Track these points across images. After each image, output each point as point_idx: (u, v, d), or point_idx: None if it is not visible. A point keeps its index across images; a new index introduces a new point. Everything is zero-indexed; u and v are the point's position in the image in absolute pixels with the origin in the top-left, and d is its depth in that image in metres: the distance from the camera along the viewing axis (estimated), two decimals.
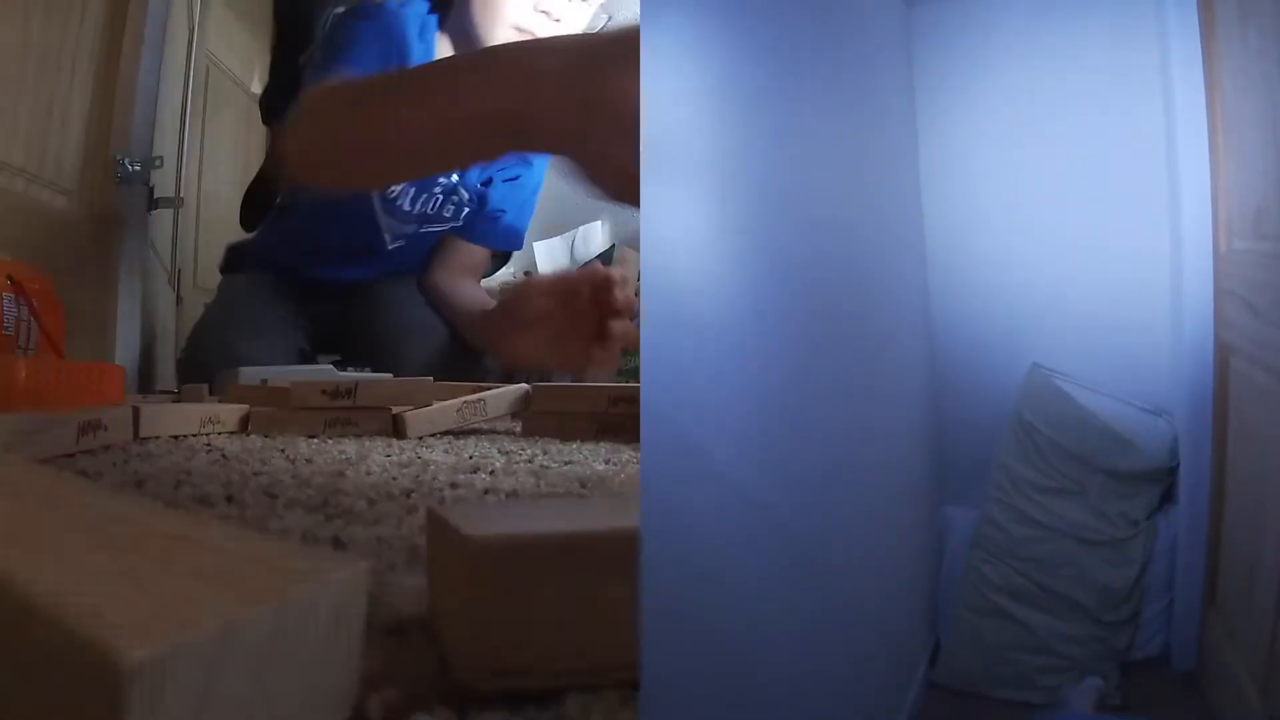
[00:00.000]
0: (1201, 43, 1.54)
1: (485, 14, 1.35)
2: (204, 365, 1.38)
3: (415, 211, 1.55)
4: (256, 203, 1.70)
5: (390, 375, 1.34)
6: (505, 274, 2.09)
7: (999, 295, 1.98)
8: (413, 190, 1.51)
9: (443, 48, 1.43)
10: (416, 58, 1.35)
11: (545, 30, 1.33)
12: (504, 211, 1.62)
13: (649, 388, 0.96)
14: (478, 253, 1.69)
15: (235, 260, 1.74)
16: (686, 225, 1.02)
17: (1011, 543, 1.78)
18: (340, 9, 1.44)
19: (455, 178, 1.51)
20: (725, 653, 1.05)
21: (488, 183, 1.58)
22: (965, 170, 2.00)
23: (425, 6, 1.42)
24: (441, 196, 1.54)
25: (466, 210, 1.59)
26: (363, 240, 1.56)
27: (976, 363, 2.00)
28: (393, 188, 1.45)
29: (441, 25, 1.43)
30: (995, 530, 1.81)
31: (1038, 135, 1.91)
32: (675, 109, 0.99)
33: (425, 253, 1.64)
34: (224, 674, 0.21)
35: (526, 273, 2.30)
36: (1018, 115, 1.93)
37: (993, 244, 1.98)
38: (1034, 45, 1.90)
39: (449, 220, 1.59)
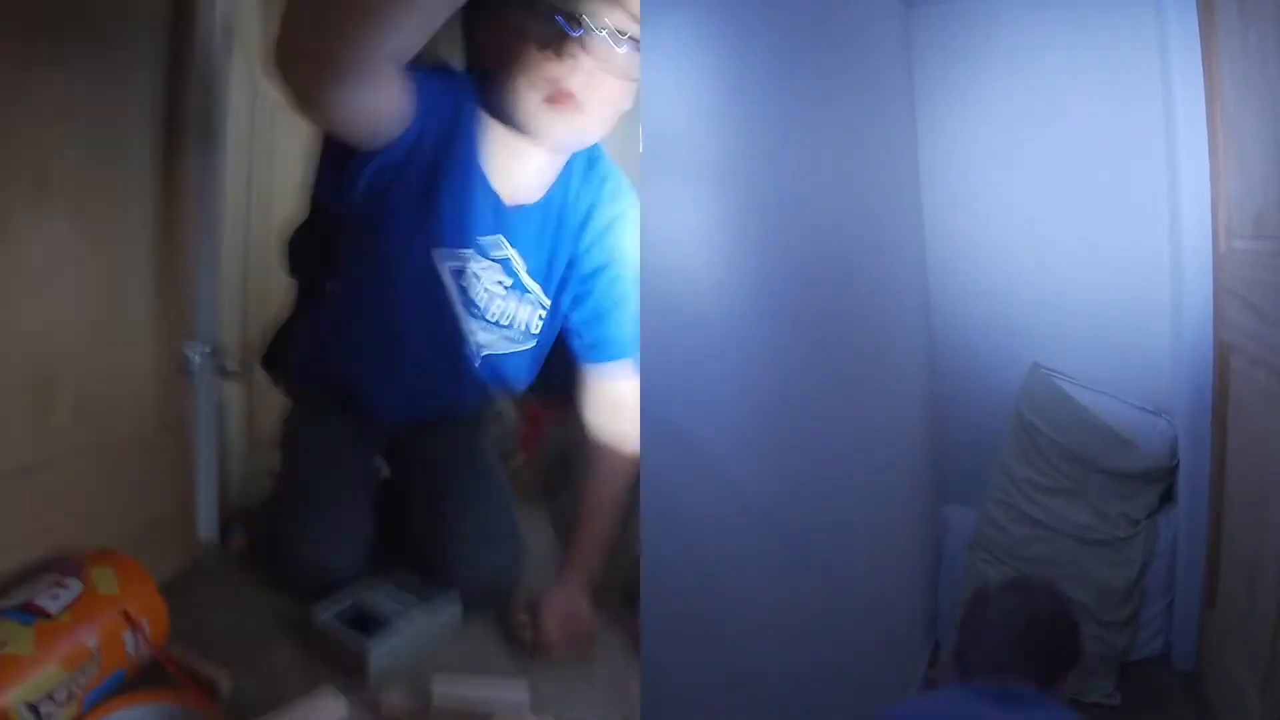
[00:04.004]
0: (1201, 43, 1.54)
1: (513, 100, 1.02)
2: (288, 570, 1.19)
3: (490, 316, 1.16)
4: (301, 255, 1.31)
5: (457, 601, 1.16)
6: None
7: (999, 295, 1.98)
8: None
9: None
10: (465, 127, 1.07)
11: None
12: (608, 309, 1.18)
13: (649, 388, 0.96)
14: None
15: (278, 362, 1.35)
16: (686, 225, 1.02)
17: (1011, 542, 1.78)
18: None
19: (520, 266, 1.14)
20: (725, 652, 1.05)
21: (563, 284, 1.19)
22: (965, 170, 1.99)
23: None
24: (505, 296, 1.15)
25: (546, 320, 1.19)
26: (441, 339, 1.16)
27: (976, 363, 2.00)
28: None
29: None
30: (995, 530, 1.81)
31: (1038, 135, 1.91)
32: (675, 109, 0.99)
33: (496, 383, 1.25)
34: None
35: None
36: (1018, 115, 1.93)
37: (993, 244, 1.98)
38: (1034, 45, 1.90)
39: (525, 335, 1.19)
